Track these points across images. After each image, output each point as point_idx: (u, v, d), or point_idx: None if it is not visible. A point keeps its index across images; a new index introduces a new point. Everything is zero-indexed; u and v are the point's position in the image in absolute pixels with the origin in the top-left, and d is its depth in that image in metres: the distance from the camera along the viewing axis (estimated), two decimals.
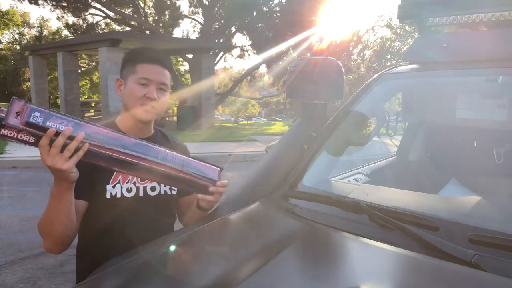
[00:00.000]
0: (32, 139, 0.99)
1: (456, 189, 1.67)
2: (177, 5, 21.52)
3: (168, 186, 1.41)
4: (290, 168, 1.61)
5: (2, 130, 0.95)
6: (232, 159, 9.13)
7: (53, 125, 0.99)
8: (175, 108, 17.46)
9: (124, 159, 1.07)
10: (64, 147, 0.99)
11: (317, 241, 1.21)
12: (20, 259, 3.64)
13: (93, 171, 1.21)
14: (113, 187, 1.31)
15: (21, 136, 0.97)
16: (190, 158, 1.22)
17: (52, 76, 25.57)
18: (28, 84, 28.93)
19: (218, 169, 1.29)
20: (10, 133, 0.96)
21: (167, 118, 16.48)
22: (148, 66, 1.31)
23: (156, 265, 1.11)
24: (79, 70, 16.04)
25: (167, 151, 1.16)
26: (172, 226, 1.49)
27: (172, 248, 1.18)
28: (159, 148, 1.15)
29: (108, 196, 1.30)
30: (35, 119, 0.97)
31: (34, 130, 0.97)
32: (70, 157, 1.01)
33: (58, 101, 19.14)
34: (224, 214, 1.39)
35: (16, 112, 0.95)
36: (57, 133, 0.99)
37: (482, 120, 1.80)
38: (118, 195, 1.31)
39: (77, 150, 1.01)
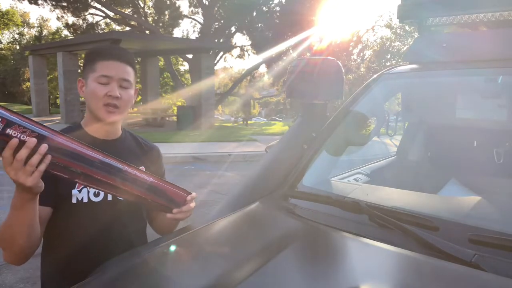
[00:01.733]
0: None
1: (456, 189, 1.67)
2: (177, 5, 21.53)
3: None
4: (290, 168, 1.61)
5: None
6: (232, 159, 9.13)
7: (14, 133, 0.91)
8: (175, 108, 17.46)
9: (88, 175, 1.02)
10: (27, 158, 0.93)
11: (317, 241, 1.21)
12: None
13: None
14: (79, 191, 1.23)
15: None
16: (158, 182, 1.15)
17: (52, 76, 25.56)
18: (28, 84, 28.91)
19: (185, 195, 1.21)
20: None
21: (167, 118, 16.48)
22: (107, 62, 1.23)
23: (156, 265, 1.11)
24: (79, 70, 15.99)
25: (131, 170, 1.09)
26: (144, 230, 1.41)
27: (172, 248, 1.18)
28: (123, 167, 1.08)
29: (74, 201, 1.23)
30: None
31: None
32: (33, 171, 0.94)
33: (58, 101, 19.14)
34: (224, 214, 1.39)
35: None
36: (20, 143, 0.92)
37: (482, 120, 1.80)
38: (85, 200, 1.24)
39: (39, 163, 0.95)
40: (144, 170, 1.29)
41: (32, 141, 0.93)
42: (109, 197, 1.28)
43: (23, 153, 0.92)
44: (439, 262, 0.98)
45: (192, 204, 1.21)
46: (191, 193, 1.23)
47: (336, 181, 1.77)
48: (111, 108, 1.23)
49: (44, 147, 0.94)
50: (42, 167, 0.95)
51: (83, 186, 1.23)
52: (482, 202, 1.31)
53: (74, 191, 1.23)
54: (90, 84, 1.24)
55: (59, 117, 15.68)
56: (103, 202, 1.26)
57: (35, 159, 0.93)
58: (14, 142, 0.92)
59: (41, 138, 0.95)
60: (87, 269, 1.16)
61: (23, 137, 0.93)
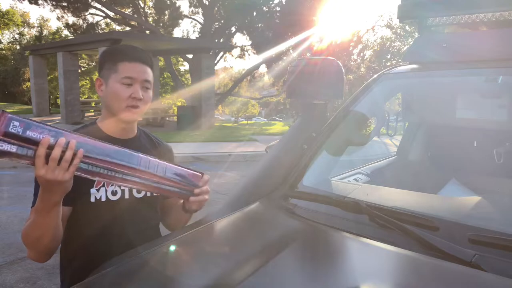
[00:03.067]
0: (14, 148, 0.93)
1: (456, 189, 1.67)
2: (177, 5, 21.51)
3: None
4: (290, 168, 1.61)
5: None
6: (232, 159, 9.13)
7: (34, 134, 0.94)
8: (175, 108, 17.46)
9: (108, 167, 1.05)
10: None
11: (317, 241, 1.21)
12: (20, 259, 3.64)
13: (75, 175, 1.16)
14: (97, 190, 1.27)
15: (1, 146, 0.91)
16: (171, 164, 1.20)
17: (52, 76, 25.56)
18: (28, 84, 28.93)
19: (200, 174, 1.27)
20: None
21: (167, 118, 16.48)
22: (130, 64, 1.26)
23: (156, 265, 1.11)
24: (79, 70, 16.00)
25: (149, 158, 1.14)
26: (158, 227, 1.45)
27: (172, 248, 1.18)
28: (141, 155, 1.12)
29: (92, 200, 1.26)
30: (15, 128, 0.92)
31: (14, 141, 0.92)
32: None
33: (58, 101, 19.14)
34: (224, 214, 1.39)
35: None
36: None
37: (482, 120, 1.80)
38: (103, 199, 1.27)
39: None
40: None
41: (62, 140, 0.97)
42: (126, 196, 1.32)
43: (57, 151, 0.96)
44: (439, 262, 0.98)
45: (205, 187, 1.27)
46: (203, 173, 1.28)
47: (336, 181, 1.77)
48: (133, 109, 1.26)
49: (73, 142, 0.98)
50: (76, 161, 0.99)
51: (101, 185, 1.27)
52: (482, 202, 1.31)
53: (92, 190, 1.26)
54: (113, 85, 1.26)
55: (59, 117, 15.68)
56: (120, 201, 1.30)
57: (69, 154, 0.98)
58: (46, 140, 0.95)
59: (58, 136, 0.98)
60: (105, 259, 1.19)
61: (43, 137, 0.96)
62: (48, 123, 1.00)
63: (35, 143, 0.95)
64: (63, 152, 0.98)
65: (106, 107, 1.31)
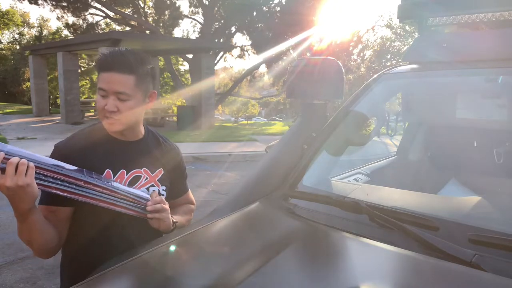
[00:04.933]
0: None
1: (456, 189, 1.68)
2: (177, 5, 21.50)
3: (158, 188, 1.37)
4: (290, 168, 1.61)
5: None
6: (232, 159, 9.13)
7: None
8: (175, 108, 17.46)
9: (61, 179, 1.12)
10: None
11: (317, 241, 1.21)
12: (20, 259, 3.64)
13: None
14: None
15: None
16: (118, 184, 1.25)
17: (52, 76, 25.55)
18: (28, 84, 28.92)
19: (147, 195, 1.29)
20: None
21: (167, 118, 16.48)
22: (105, 74, 1.21)
23: (156, 265, 1.11)
24: (79, 70, 15.99)
25: (98, 175, 1.21)
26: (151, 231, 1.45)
27: (172, 248, 1.18)
28: (85, 170, 1.19)
29: None
30: None
31: None
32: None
33: (58, 101, 19.14)
34: (224, 214, 1.39)
35: None
36: None
37: (482, 120, 1.80)
38: None
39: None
40: (162, 171, 1.39)
41: (14, 149, 1.05)
42: (104, 206, 1.30)
43: (15, 158, 1.02)
44: (439, 262, 0.98)
45: (154, 202, 1.27)
46: (148, 197, 1.29)
47: (336, 181, 1.77)
48: (111, 120, 1.24)
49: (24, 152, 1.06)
50: (32, 164, 1.04)
51: None
52: (482, 202, 1.31)
53: None
54: (97, 94, 1.26)
55: (59, 117, 15.68)
56: None
57: (24, 160, 1.03)
58: (0, 154, 1.01)
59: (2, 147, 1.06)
60: (103, 261, 1.20)
61: None
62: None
63: None
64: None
65: None
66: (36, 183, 1.06)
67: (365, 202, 1.23)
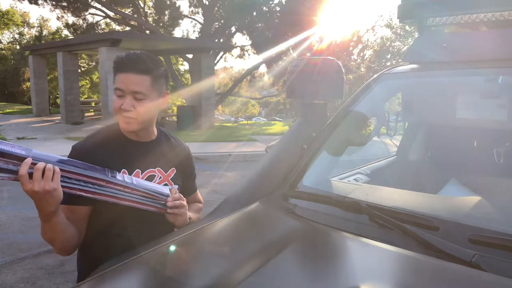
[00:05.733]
0: None
1: (456, 189, 1.67)
2: (177, 5, 21.49)
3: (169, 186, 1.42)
4: (290, 168, 1.61)
5: None
6: (232, 159, 9.14)
7: (6, 149, 1.01)
8: (175, 108, 17.46)
9: (84, 180, 1.15)
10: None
11: (317, 241, 1.21)
12: (20, 259, 3.64)
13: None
14: None
15: None
16: (139, 179, 1.30)
17: (52, 76, 25.54)
18: (28, 84, 28.93)
19: (165, 197, 1.32)
20: None
21: (167, 118, 16.48)
22: (121, 75, 1.26)
23: (156, 265, 1.11)
24: (79, 70, 15.98)
25: (120, 173, 1.24)
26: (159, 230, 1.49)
27: (172, 248, 1.18)
28: (107, 169, 1.22)
29: None
30: None
31: None
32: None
33: (58, 101, 19.14)
34: (224, 214, 1.39)
35: None
36: (14, 157, 1.02)
37: (482, 120, 1.80)
38: None
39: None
40: (174, 171, 1.44)
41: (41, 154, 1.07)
42: (126, 204, 1.33)
43: (41, 164, 1.04)
44: (439, 262, 0.98)
45: (174, 198, 1.32)
46: (168, 192, 1.33)
47: (336, 181, 1.77)
48: (127, 119, 1.28)
49: (50, 156, 1.08)
50: (57, 169, 1.07)
51: None
52: (482, 202, 1.31)
53: None
54: (113, 95, 1.30)
55: (59, 117, 15.68)
56: None
57: (50, 165, 1.06)
58: (28, 160, 1.03)
59: (29, 151, 1.07)
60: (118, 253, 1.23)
61: (17, 151, 1.03)
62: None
63: (8, 156, 1.02)
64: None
65: None
66: (61, 185, 1.09)
67: (365, 202, 1.23)
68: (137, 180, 1.27)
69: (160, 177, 1.39)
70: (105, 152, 1.30)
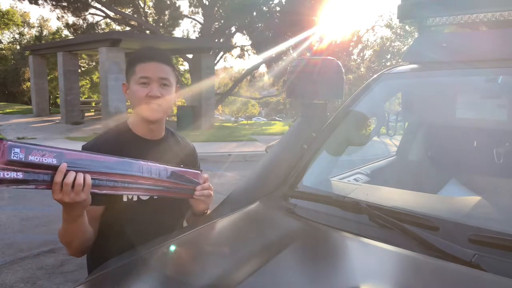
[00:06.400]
0: (20, 175, 0.95)
1: (456, 189, 1.67)
2: (177, 5, 21.50)
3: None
4: (290, 168, 1.61)
5: None
6: (232, 159, 9.13)
7: (36, 158, 0.96)
8: (175, 108, 17.45)
9: (112, 179, 1.11)
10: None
11: (317, 241, 1.21)
12: (20, 259, 3.64)
13: None
14: None
15: (7, 174, 0.92)
16: (170, 166, 1.26)
17: (52, 76, 25.53)
18: (28, 84, 28.93)
19: (199, 172, 1.33)
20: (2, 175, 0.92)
21: (167, 118, 16.46)
22: (145, 64, 1.31)
23: (156, 265, 1.11)
24: (79, 70, 15.98)
25: (149, 163, 1.20)
26: (182, 222, 1.52)
27: (172, 248, 1.18)
28: (141, 162, 1.18)
29: (125, 199, 1.32)
30: (16, 155, 0.93)
31: (18, 168, 0.94)
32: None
33: (58, 101, 19.14)
34: (224, 214, 1.39)
35: None
36: (44, 166, 0.98)
37: (482, 120, 1.80)
38: (135, 198, 1.33)
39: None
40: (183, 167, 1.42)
41: (64, 165, 1.01)
42: (155, 195, 1.34)
43: (71, 176, 1.02)
44: (439, 262, 0.98)
45: (203, 188, 1.33)
46: (201, 170, 1.35)
47: (336, 181, 1.77)
48: (153, 106, 1.31)
49: (81, 155, 1.05)
50: (88, 181, 1.05)
51: None
52: (482, 202, 1.31)
53: None
54: (132, 86, 1.32)
55: (59, 117, 15.68)
56: (150, 199, 1.34)
57: (80, 177, 1.03)
58: (63, 167, 1.00)
59: (60, 156, 1.01)
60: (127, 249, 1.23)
61: (46, 160, 0.98)
62: (48, 145, 1.03)
63: (39, 166, 0.97)
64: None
65: (133, 109, 1.39)
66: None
67: (365, 202, 1.23)
68: (169, 169, 1.24)
69: None
70: (116, 150, 1.29)
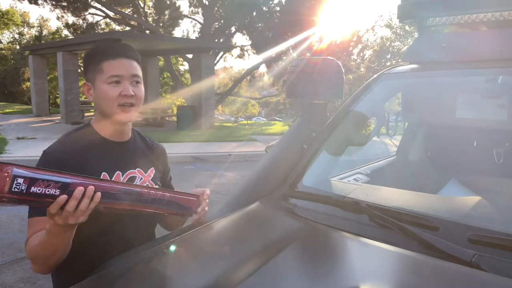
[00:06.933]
0: (17, 202, 0.90)
1: (456, 189, 1.68)
2: (177, 5, 21.51)
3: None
4: (290, 168, 1.61)
5: None
6: (232, 159, 9.13)
7: (39, 190, 0.90)
8: (175, 108, 17.46)
9: (112, 207, 1.05)
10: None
11: (317, 241, 1.21)
12: (20, 259, 3.64)
13: None
14: None
15: (4, 199, 0.87)
16: (172, 195, 1.20)
17: (52, 76, 25.54)
18: (28, 84, 28.91)
19: (196, 200, 1.27)
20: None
21: (167, 118, 16.48)
22: (114, 61, 1.20)
23: (156, 265, 1.11)
24: (79, 70, 15.97)
25: (152, 191, 1.14)
26: (153, 229, 1.44)
27: (172, 248, 1.18)
28: (145, 190, 1.12)
29: None
30: (18, 187, 0.87)
31: (17, 198, 0.88)
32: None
33: (58, 101, 19.14)
34: (224, 214, 1.39)
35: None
36: (46, 196, 0.92)
37: (482, 120, 1.80)
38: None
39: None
40: (154, 171, 1.36)
41: (79, 191, 0.95)
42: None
43: (72, 204, 0.95)
44: (439, 262, 0.98)
45: (204, 204, 1.28)
46: (199, 196, 1.28)
47: (336, 181, 1.77)
48: (127, 108, 1.22)
49: (91, 189, 0.97)
50: (92, 205, 0.98)
51: None
52: (482, 202, 1.31)
53: None
54: (100, 86, 1.21)
55: (59, 117, 15.68)
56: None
57: (85, 203, 0.96)
58: (62, 198, 0.93)
59: (66, 186, 0.95)
60: (92, 267, 1.16)
61: (50, 191, 0.92)
62: (55, 170, 0.95)
63: (39, 196, 0.92)
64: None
65: (99, 110, 1.27)
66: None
67: (365, 202, 1.23)
68: (168, 198, 1.19)
69: (141, 178, 1.32)
70: (82, 154, 1.21)
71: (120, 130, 1.29)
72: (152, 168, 1.37)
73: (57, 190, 0.93)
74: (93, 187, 0.98)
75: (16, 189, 0.87)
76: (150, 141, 1.44)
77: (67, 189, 0.95)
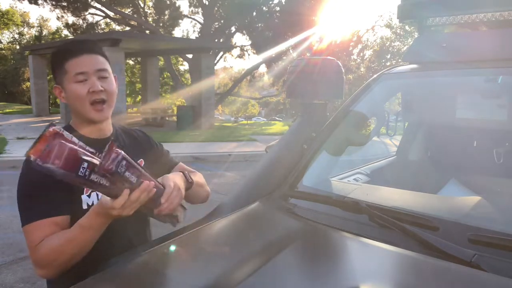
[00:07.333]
0: (107, 183, 0.92)
1: (456, 189, 1.68)
2: (177, 5, 21.50)
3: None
4: (290, 168, 1.61)
5: (92, 175, 0.88)
6: (232, 159, 9.13)
7: (129, 176, 0.94)
8: (174, 108, 17.45)
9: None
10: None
11: (317, 241, 1.21)
12: (20, 259, 3.64)
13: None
14: (88, 196, 1.20)
15: (102, 181, 0.91)
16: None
17: (51, 76, 25.52)
18: (28, 84, 28.90)
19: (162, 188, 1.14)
20: (96, 178, 0.89)
21: (166, 118, 16.48)
22: (77, 59, 1.16)
23: (156, 265, 1.11)
24: None
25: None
26: (145, 229, 1.42)
27: (172, 248, 1.18)
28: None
29: (85, 207, 1.19)
30: (121, 169, 0.91)
31: (110, 177, 0.91)
32: None
33: (58, 100, 19.14)
34: (224, 214, 1.39)
35: (111, 158, 0.89)
36: (127, 181, 0.94)
37: (482, 120, 1.80)
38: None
39: None
40: (143, 161, 1.33)
41: (146, 185, 0.99)
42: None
43: (136, 195, 0.97)
44: (439, 262, 0.98)
45: (170, 191, 1.11)
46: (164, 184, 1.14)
47: (336, 181, 1.77)
48: (99, 106, 1.19)
49: (152, 184, 1.01)
50: (145, 199, 1.01)
51: (91, 190, 1.21)
52: (482, 202, 1.31)
53: (84, 197, 1.20)
54: (68, 86, 1.18)
55: (59, 117, 15.69)
56: None
57: (144, 197, 0.99)
58: (151, 184, 0.99)
59: (139, 176, 0.98)
60: (91, 268, 1.13)
61: (132, 178, 0.95)
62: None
63: (127, 181, 0.94)
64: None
65: (73, 112, 1.24)
66: None
67: (365, 202, 1.23)
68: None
69: None
70: None
71: (99, 128, 1.26)
72: (141, 159, 1.33)
73: (135, 178, 0.97)
74: (153, 183, 1.02)
75: (119, 170, 0.90)
76: (130, 130, 1.41)
77: (139, 179, 0.98)
